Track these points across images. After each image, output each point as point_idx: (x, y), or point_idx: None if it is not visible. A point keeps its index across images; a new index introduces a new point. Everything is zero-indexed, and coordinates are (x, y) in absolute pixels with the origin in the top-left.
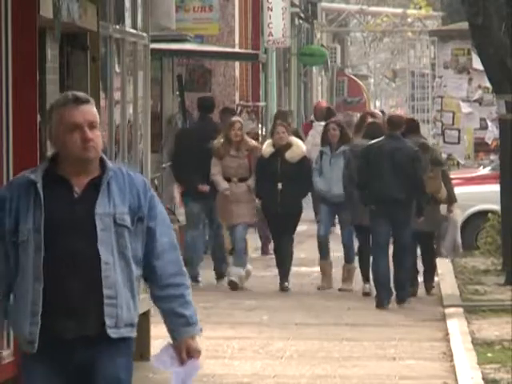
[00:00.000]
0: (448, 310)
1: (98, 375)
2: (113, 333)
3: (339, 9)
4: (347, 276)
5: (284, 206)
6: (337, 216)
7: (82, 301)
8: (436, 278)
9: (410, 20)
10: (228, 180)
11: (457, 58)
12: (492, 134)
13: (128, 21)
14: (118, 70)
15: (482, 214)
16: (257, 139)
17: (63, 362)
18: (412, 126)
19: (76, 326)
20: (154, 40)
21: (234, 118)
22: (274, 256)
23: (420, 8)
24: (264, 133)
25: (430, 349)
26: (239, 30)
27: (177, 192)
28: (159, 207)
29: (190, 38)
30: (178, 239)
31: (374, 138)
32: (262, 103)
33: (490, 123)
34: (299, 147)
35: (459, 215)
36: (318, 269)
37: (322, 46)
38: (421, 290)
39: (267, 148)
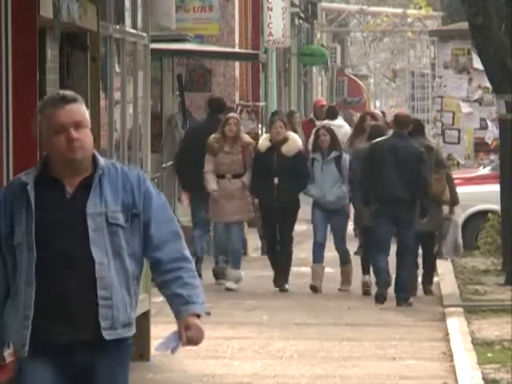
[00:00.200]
0: (448, 310)
1: (98, 379)
2: (108, 334)
3: (339, 9)
4: (345, 277)
5: (280, 201)
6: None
7: (77, 303)
8: (436, 278)
9: (410, 20)
10: (222, 176)
11: (457, 57)
12: (492, 133)
13: (128, 21)
14: (118, 69)
15: (482, 214)
16: (257, 139)
17: (63, 365)
18: (417, 128)
19: (72, 330)
20: (154, 40)
21: (230, 114)
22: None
23: (420, 8)
24: (264, 133)
25: (430, 349)
26: (239, 29)
27: (185, 197)
28: (154, 199)
29: (190, 38)
30: None
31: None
32: (262, 103)
33: (489, 123)
34: (295, 141)
35: (460, 215)
36: None
37: (322, 45)
38: (420, 290)
39: (264, 142)
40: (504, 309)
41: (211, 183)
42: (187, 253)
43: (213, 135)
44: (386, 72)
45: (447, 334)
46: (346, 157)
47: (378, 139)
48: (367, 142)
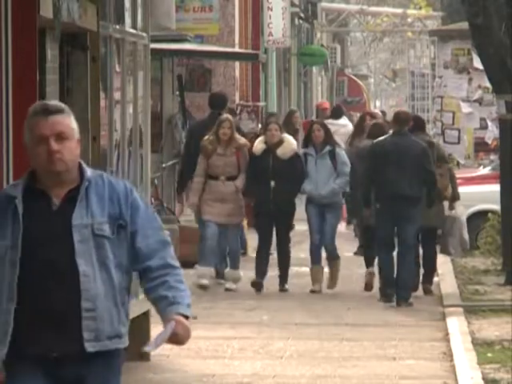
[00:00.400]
0: (448, 310)
1: None
2: (92, 346)
3: (339, 9)
4: (333, 275)
5: (277, 204)
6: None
7: (63, 315)
8: (436, 278)
9: (410, 20)
10: (215, 178)
11: (457, 57)
12: (492, 133)
13: (128, 21)
14: (118, 69)
15: (482, 214)
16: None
17: (54, 377)
18: (418, 124)
19: (60, 342)
20: (154, 40)
21: (224, 116)
22: (274, 256)
23: (420, 8)
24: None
25: (430, 349)
26: (239, 30)
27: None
28: (142, 210)
29: (190, 38)
30: (177, 239)
31: (375, 139)
32: (262, 103)
33: (490, 123)
34: (290, 144)
35: (463, 213)
36: None
37: (322, 46)
38: (420, 290)
39: (259, 145)
40: (504, 309)
41: (193, 196)
42: (175, 260)
43: (206, 137)
44: (386, 72)
45: (447, 334)
46: (342, 152)
47: (379, 139)
48: (367, 140)
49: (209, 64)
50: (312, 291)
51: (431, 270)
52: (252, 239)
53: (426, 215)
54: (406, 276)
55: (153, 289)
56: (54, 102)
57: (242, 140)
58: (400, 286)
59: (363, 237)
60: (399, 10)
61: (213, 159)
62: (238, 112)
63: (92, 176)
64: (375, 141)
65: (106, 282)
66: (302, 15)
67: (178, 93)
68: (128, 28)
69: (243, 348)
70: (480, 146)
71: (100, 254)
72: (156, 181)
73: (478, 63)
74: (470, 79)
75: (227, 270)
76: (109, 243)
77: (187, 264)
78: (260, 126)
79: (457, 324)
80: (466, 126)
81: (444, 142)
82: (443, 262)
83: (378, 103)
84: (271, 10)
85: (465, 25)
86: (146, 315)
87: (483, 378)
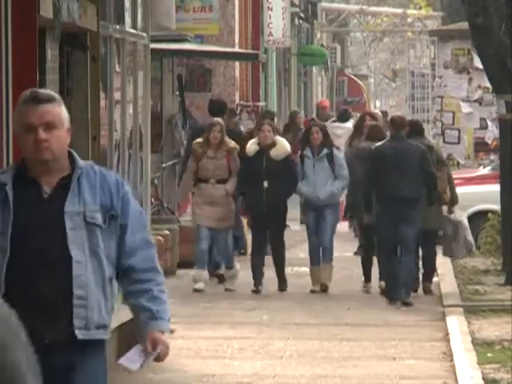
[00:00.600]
0: (448, 310)
1: (78, 379)
2: (81, 334)
3: (339, 9)
4: (327, 274)
5: (270, 206)
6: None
7: (54, 302)
8: (436, 278)
9: (409, 20)
10: (206, 181)
11: (457, 57)
12: (492, 133)
13: (128, 21)
14: (118, 69)
15: (482, 214)
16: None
17: (44, 365)
18: (417, 129)
19: (51, 329)
20: (154, 40)
21: (215, 120)
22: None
23: (420, 8)
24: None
25: (430, 349)
26: (239, 30)
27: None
28: (132, 204)
29: (190, 38)
30: (177, 239)
31: (375, 141)
32: (261, 103)
33: (490, 123)
34: (283, 145)
35: (463, 215)
36: None
37: (322, 46)
38: (420, 290)
39: (251, 146)
40: (504, 309)
41: (182, 196)
42: (158, 263)
43: (197, 140)
44: (386, 72)
45: (447, 334)
46: (340, 155)
47: (379, 143)
48: (366, 141)
49: (209, 64)
50: (312, 291)
51: (431, 269)
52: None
53: (426, 217)
54: (406, 276)
55: (135, 295)
56: (45, 91)
57: (232, 143)
58: (400, 287)
59: (363, 238)
60: (399, 10)
61: (203, 162)
62: (238, 112)
63: (83, 165)
64: (375, 146)
65: (96, 270)
66: (302, 15)
67: (178, 93)
68: (128, 28)
69: (243, 348)
70: (480, 146)
71: (91, 243)
72: (156, 181)
73: (478, 63)
74: (470, 79)
75: (223, 270)
76: (100, 232)
77: (187, 264)
78: None
79: (457, 324)
80: (465, 126)
81: (444, 142)
82: (443, 262)
83: (378, 103)
84: (271, 10)
85: (465, 25)
86: None
87: (483, 378)
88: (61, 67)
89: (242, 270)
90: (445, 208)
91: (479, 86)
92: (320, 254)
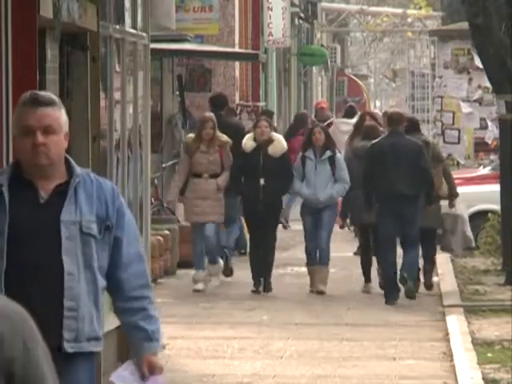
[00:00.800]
0: (448, 310)
1: None
2: (70, 347)
3: (339, 9)
4: (323, 278)
5: (265, 203)
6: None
7: (42, 312)
8: (436, 278)
9: (410, 20)
10: (199, 176)
11: (457, 57)
12: (492, 133)
13: (128, 21)
14: (118, 69)
15: (482, 214)
16: None
17: None
18: (413, 125)
19: None
20: (154, 40)
21: (207, 115)
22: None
23: (420, 8)
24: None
25: (430, 349)
26: (239, 30)
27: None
28: (127, 216)
29: (190, 38)
30: (177, 239)
31: (371, 140)
32: (261, 103)
33: (490, 123)
34: (281, 142)
35: (464, 210)
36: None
37: (322, 46)
38: (421, 289)
39: (248, 142)
40: (504, 309)
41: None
42: (149, 279)
43: (189, 135)
44: (386, 72)
45: (447, 334)
46: (342, 158)
47: (376, 140)
48: (363, 141)
49: (209, 64)
50: (311, 291)
51: (431, 266)
52: None
53: (424, 215)
54: (412, 270)
55: (129, 313)
56: (45, 94)
57: (224, 137)
58: (407, 279)
59: (359, 237)
60: (399, 10)
61: (196, 157)
62: (238, 112)
63: (81, 173)
64: (372, 142)
65: (89, 281)
66: (302, 15)
67: (178, 93)
68: (128, 28)
69: (243, 348)
70: (480, 146)
71: (85, 253)
72: (156, 181)
73: (478, 63)
74: (470, 79)
75: (207, 264)
76: (94, 243)
77: (187, 264)
78: None
79: (457, 324)
80: (466, 126)
81: (444, 142)
82: (443, 262)
83: (378, 103)
84: (271, 10)
85: (465, 25)
86: None
87: (483, 378)
88: (61, 67)
89: (242, 270)
90: (444, 204)
91: (479, 86)
92: (317, 255)
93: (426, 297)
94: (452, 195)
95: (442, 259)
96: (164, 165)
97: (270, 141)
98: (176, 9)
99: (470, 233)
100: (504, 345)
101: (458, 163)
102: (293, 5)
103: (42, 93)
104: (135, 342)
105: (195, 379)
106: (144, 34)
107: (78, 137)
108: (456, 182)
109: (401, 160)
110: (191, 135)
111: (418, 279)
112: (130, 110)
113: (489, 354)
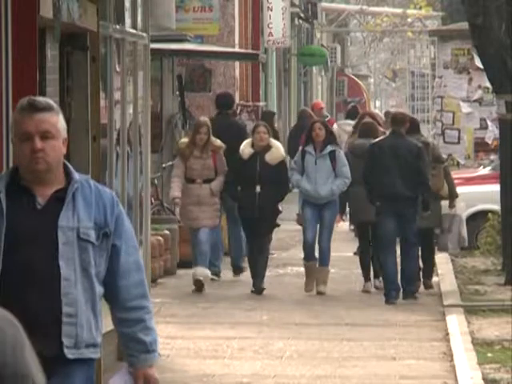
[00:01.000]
0: (448, 310)
1: None
2: (71, 353)
3: (339, 9)
4: (323, 278)
5: (261, 210)
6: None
7: (39, 318)
8: (436, 278)
9: (409, 20)
10: (193, 181)
11: (457, 58)
12: (492, 133)
13: (128, 21)
14: (118, 69)
15: (482, 214)
16: None
17: None
18: (413, 126)
19: (36, 347)
20: (154, 40)
21: (202, 120)
22: (273, 256)
23: (420, 8)
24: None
25: (430, 349)
26: (239, 29)
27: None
28: (126, 224)
29: (190, 38)
30: (177, 239)
31: (367, 137)
32: (262, 103)
33: (490, 123)
34: (279, 149)
35: (463, 209)
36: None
37: (322, 45)
38: (421, 289)
39: (246, 149)
40: (504, 309)
41: (174, 191)
42: (147, 289)
43: (182, 140)
44: (386, 72)
45: (447, 334)
46: (342, 153)
47: (377, 140)
48: (360, 139)
49: (209, 64)
50: (307, 291)
51: (430, 266)
52: None
53: (423, 216)
54: (411, 271)
55: (127, 323)
56: (43, 99)
57: (218, 142)
58: (406, 281)
59: (358, 236)
60: (399, 10)
61: (190, 162)
62: (238, 112)
63: (79, 179)
64: (373, 142)
65: (86, 288)
66: (302, 15)
67: (178, 93)
68: (128, 28)
69: (243, 348)
70: (480, 146)
71: (83, 259)
72: (156, 181)
73: (479, 62)
74: (470, 79)
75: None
76: (92, 249)
77: (187, 264)
78: None
79: (457, 324)
80: (466, 126)
81: (444, 142)
82: (443, 262)
83: (378, 103)
84: (271, 10)
85: (465, 25)
86: None
87: (483, 378)
88: (61, 67)
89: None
90: (444, 204)
91: (479, 86)
92: (315, 250)
93: (426, 297)
94: (452, 196)
95: (442, 259)
96: (164, 165)
97: (268, 147)
98: (176, 9)
99: (465, 233)
100: (504, 345)
101: (458, 163)
102: (293, 5)
103: (40, 98)
104: (132, 353)
105: (195, 379)
106: (144, 34)
107: (78, 137)
108: (456, 182)
109: (400, 161)
110: (184, 140)
111: (418, 279)
112: (130, 110)
113: (489, 354)
